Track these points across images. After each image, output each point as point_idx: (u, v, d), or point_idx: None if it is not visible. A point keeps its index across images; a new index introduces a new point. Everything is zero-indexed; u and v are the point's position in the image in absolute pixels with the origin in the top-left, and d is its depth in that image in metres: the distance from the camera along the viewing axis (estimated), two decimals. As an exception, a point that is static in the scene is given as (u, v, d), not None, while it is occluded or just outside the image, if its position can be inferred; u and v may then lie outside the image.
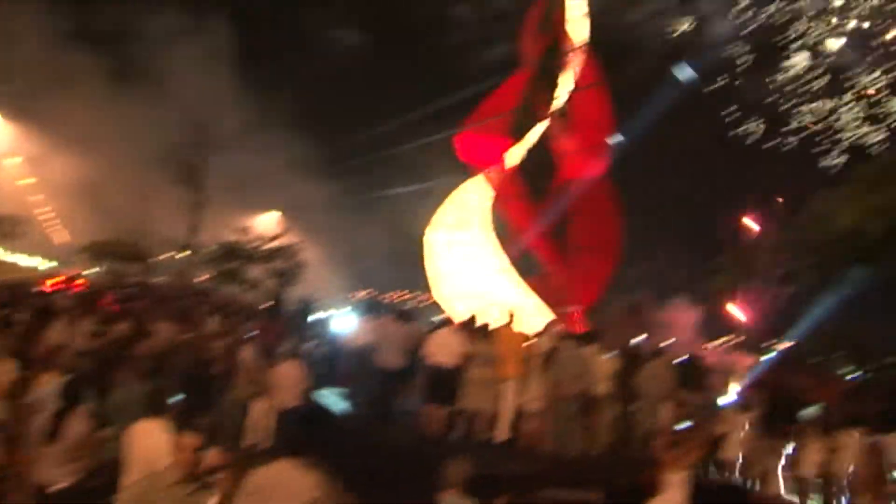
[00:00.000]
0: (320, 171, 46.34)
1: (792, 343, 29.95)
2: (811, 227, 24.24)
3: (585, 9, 26.66)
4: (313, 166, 46.45)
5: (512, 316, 16.15)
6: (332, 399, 17.99)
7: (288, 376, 14.72)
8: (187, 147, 43.63)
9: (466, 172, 27.20)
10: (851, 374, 29.45)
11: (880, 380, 27.83)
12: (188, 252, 44.32)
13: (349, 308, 29.61)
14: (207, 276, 43.05)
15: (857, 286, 23.90)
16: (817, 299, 25.95)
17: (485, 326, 15.99)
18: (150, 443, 7.84)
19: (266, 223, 45.80)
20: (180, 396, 9.95)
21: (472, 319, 16.93)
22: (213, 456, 7.38)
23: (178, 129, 43.88)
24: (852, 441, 12.91)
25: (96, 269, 42.28)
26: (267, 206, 47.85)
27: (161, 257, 45.93)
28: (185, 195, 43.85)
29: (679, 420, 14.63)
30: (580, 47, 25.82)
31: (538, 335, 16.17)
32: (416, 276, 30.64)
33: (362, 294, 44.26)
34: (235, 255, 41.21)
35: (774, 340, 31.89)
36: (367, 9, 49.27)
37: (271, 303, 27.64)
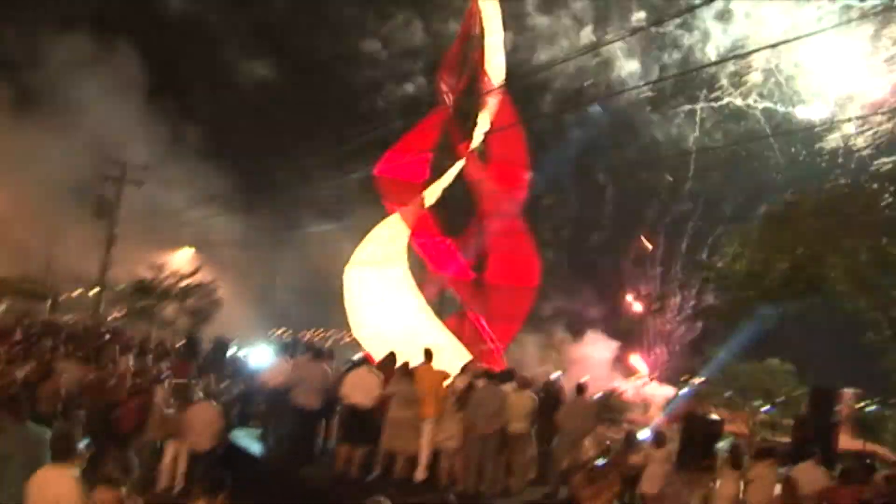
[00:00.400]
0: (236, 207, 45.77)
1: (705, 378, 30.69)
2: (719, 266, 24.95)
3: (502, 49, 27.11)
4: (228, 202, 45.84)
5: (430, 355, 16.15)
6: (248, 440, 17.67)
7: (202, 417, 14.43)
8: (98, 180, 42.53)
9: (385, 209, 27.16)
10: (763, 407, 30.31)
11: (789, 412, 28.67)
12: (99, 289, 43.05)
13: (266, 347, 29.08)
14: (119, 314, 41.94)
15: (765, 323, 24.66)
16: (728, 336, 26.68)
17: (404, 365, 15.96)
18: (57, 492, 7.41)
19: (180, 259, 44.99)
20: (88, 440, 9.56)
21: (391, 358, 16.87)
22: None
23: (88, 162, 42.84)
24: (766, 473, 13.23)
25: (0, 307, 40.71)
26: (181, 242, 47.01)
27: (70, 294, 44.60)
28: (96, 230, 42.62)
29: (597, 456, 14.79)
30: (497, 87, 26.17)
31: (457, 374, 16.22)
32: (334, 313, 30.43)
33: (279, 332, 43.71)
34: (149, 293, 40.27)
35: (688, 375, 32.64)
36: (283, 43, 49.18)
37: (186, 342, 26.98)
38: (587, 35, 40.19)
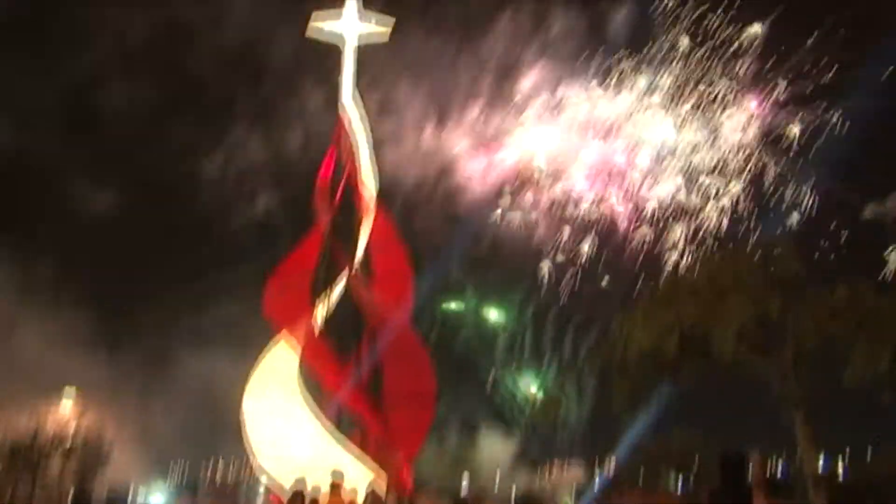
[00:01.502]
0: (119, 347, 43.68)
1: (617, 461, 30.64)
2: (614, 349, 25.19)
3: (374, 164, 27.33)
4: (111, 342, 43.77)
5: (336, 484, 15.86)
6: None
7: None
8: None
9: (274, 334, 26.59)
10: (677, 486, 30.38)
11: (704, 480, 28.83)
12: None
13: (164, 489, 27.67)
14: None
15: (665, 401, 24.92)
16: (633, 417, 26.79)
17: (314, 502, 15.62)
18: None
19: (61, 409, 42.48)
20: None
21: (298, 499, 16.45)
22: None
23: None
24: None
25: None
26: (59, 390, 44.35)
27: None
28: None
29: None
30: (372, 201, 26.29)
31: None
32: (231, 441, 29.35)
33: (177, 471, 41.55)
34: (29, 449, 37.70)
35: (601, 461, 32.53)
36: (125, 170, 47.38)
37: (75, 496, 25.27)
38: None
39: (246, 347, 26.45)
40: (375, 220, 26.30)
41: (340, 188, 27.11)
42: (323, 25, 28.81)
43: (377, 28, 28.95)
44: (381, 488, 16.41)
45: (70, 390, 43.45)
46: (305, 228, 27.22)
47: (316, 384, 26.47)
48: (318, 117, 34.06)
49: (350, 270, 26.10)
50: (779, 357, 23.57)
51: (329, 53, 30.32)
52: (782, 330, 22.91)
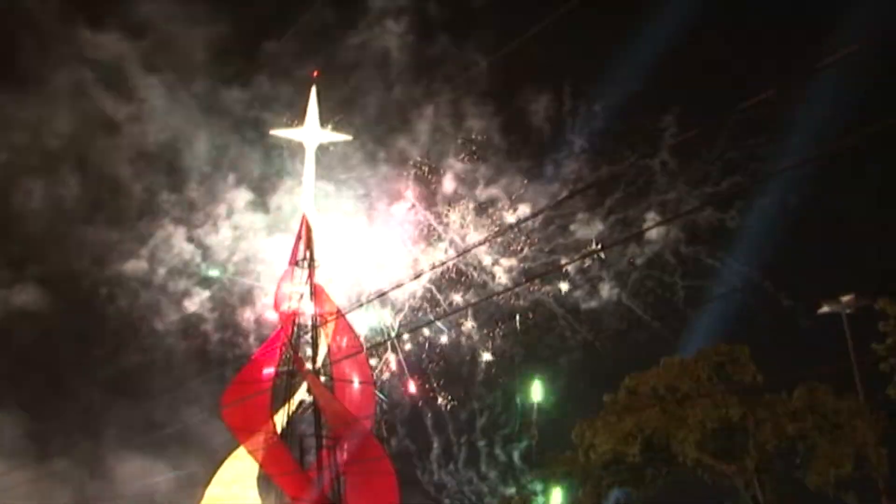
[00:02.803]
0: (89, 466, 41.23)
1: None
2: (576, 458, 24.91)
3: (333, 273, 27.52)
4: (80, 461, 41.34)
5: None
6: None
7: None
8: None
9: (235, 440, 26.26)
10: None
11: None
12: None
13: None
14: None
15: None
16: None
17: None
18: None
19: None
20: None
21: None
22: None
23: None
24: None
25: None
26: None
27: None
28: None
29: None
30: (333, 309, 26.30)
31: None
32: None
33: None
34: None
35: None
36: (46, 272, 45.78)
37: None
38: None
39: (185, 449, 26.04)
40: (337, 325, 26.26)
41: (301, 292, 27.13)
42: (283, 134, 29.60)
43: (337, 136, 29.75)
44: None
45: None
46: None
47: (277, 492, 26.01)
48: (242, 216, 34.57)
49: (310, 378, 25.83)
50: (742, 461, 23.45)
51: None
52: (743, 435, 22.87)
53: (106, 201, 40.03)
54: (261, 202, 33.25)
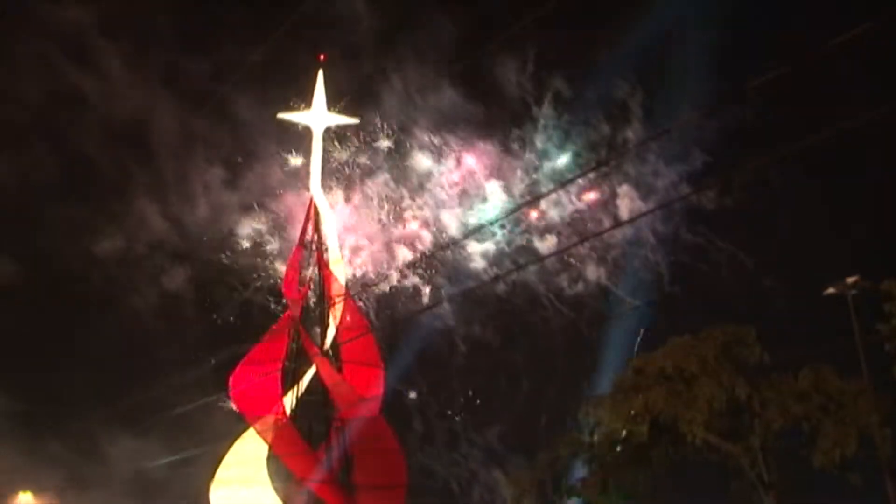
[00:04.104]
0: (80, 447, 41.12)
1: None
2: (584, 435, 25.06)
3: (341, 254, 27.58)
4: (71, 442, 41.17)
5: None
6: None
7: None
8: None
9: (243, 425, 26.43)
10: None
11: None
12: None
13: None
14: None
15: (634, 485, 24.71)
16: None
17: None
18: None
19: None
20: None
21: None
22: None
23: None
24: None
25: None
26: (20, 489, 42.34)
27: None
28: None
29: None
30: (341, 291, 26.40)
31: None
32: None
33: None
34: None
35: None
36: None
37: None
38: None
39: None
40: (345, 307, 26.41)
41: (310, 275, 27.30)
42: (291, 117, 29.59)
43: (344, 119, 29.80)
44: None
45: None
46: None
47: (286, 473, 26.21)
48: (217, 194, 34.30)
49: (319, 359, 25.99)
50: (747, 441, 23.61)
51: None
52: (750, 415, 23.01)
53: (76, 176, 39.79)
54: (233, 179, 33.36)
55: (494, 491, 31.39)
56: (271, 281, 30.69)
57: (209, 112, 32.53)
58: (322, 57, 29.91)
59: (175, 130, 34.60)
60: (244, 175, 32.88)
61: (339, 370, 26.24)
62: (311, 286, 27.15)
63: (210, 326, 32.99)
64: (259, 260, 31.50)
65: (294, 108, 29.38)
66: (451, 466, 34.23)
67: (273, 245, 31.37)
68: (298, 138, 31.27)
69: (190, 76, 35.73)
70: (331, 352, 26.23)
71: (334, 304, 25.88)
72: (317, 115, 29.19)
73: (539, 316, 33.11)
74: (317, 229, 27.71)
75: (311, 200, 28.39)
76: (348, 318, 26.21)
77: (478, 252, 32.24)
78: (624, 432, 23.37)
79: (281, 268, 29.95)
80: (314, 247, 27.52)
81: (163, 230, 34.82)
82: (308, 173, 28.77)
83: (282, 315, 27.16)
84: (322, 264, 27.14)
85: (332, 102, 29.91)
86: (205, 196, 33.44)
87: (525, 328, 33.76)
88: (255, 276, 30.99)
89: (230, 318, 31.47)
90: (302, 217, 28.20)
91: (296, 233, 28.41)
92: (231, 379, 26.58)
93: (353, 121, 30.06)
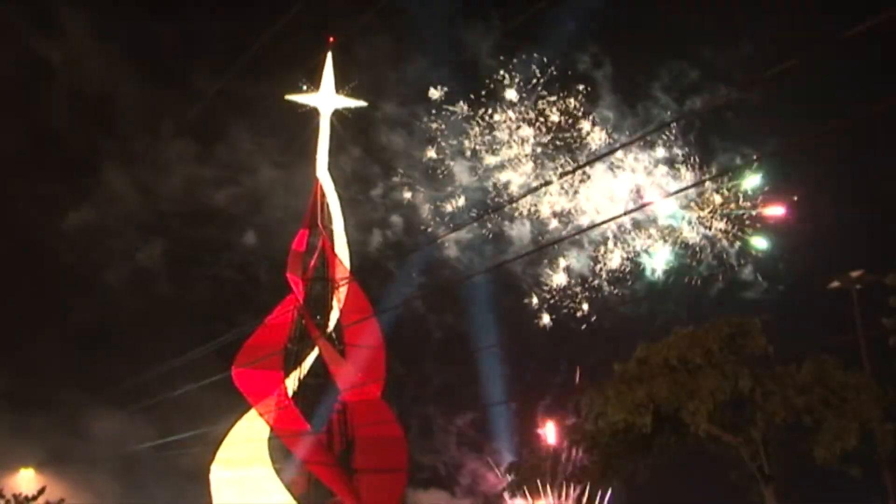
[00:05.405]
0: (79, 421, 41.00)
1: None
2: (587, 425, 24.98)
3: (344, 234, 27.52)
4: (70, 417, 41.04)
5: None
6: None
7: None
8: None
9: (244, 406, 26.40)
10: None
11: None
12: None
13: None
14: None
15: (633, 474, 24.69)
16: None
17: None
18: None
19: (21, 481, 40.83)
20: None
21: None
22: None
23: None
24: None
25: None
26: (20, 463, 42.38)
27: None
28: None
29: None
30: (345, 275, 26.35)
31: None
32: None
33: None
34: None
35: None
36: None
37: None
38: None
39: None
40: (349, 290, 26.36)
41: (314, 258, 27.22)
42: (298, 99, 29.44)
43: (352, 102, 29.63)
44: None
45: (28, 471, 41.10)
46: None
47: (287, 454, 26.24)
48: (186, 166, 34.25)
49: (321, 341, 25.97)
50: (748, 433, 23.58)
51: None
52: (752, 406, 22.96)
53: (45, 149, 39.37)
54: (206, 152, 33.82)
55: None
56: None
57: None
58: (332, 39, 29.77)
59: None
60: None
61: (342, 353, 26.20)
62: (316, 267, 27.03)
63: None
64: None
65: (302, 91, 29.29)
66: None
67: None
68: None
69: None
70: (334, 334, 26.18)
71: (338, 286, 25.83)
72: (325, 97, 29.09)
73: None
74: (322, 211, 27.61)
75: (317, 182, 28.31)
76: (351, 301, 26.12)
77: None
78: (627, 423, 23.36)
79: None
80: (319, 229, 27.43)
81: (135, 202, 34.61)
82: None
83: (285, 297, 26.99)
84: (326, 245, 27.05)
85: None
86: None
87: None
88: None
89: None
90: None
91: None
92: (235, 361, 26.51)
93: (362, 104, 29.86)
